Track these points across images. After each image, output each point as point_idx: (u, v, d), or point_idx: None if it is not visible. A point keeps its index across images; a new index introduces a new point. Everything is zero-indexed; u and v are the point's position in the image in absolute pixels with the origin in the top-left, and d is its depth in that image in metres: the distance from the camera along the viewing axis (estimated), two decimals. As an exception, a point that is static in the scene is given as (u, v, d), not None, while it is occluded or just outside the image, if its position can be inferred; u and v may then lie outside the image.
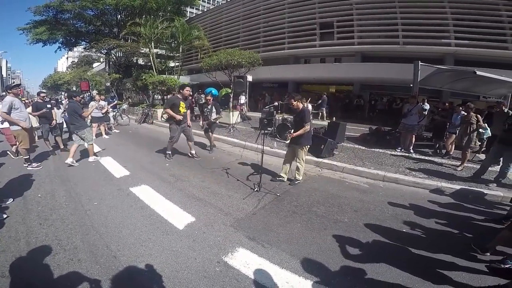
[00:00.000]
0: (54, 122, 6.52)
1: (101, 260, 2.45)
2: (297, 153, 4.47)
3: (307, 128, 4.26)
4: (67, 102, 6.42)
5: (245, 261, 2.49)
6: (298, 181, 4.59)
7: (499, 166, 4.95)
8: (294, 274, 2.35)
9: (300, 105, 4.40)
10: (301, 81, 20.35)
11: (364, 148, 7.45)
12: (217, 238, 2.87)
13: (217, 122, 7.08)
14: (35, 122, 7.95)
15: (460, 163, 5.74)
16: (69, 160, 5.34)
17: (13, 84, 5.68)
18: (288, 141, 4.56)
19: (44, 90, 7.32)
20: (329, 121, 10.84)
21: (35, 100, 6.83)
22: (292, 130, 4.52)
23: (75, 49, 29.89)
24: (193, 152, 6.10)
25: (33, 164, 5.19)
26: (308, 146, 4.56)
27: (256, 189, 4.22)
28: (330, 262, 2.53)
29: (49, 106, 6.48)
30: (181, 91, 5.89)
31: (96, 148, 7.03)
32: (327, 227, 3.22)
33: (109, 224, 3.11)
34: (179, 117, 5.54)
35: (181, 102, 5.67)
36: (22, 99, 5.54)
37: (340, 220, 3.40)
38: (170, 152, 5.91)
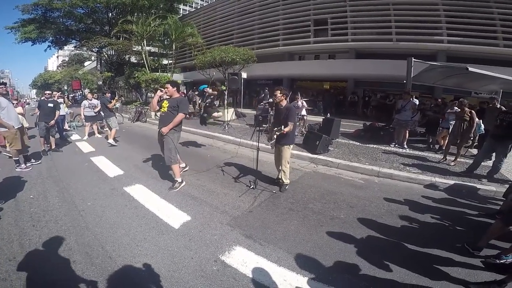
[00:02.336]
0: (52, 122, 6.28)
1: (97, 261, 2.41)
2: (282, 154, 4.10)
3: (291, 127, 3.88)
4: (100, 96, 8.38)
5: (242, 259, 2.48)
6: (287, 185, 4.25)
7: (492, 161, 5.03)
8: (292, 271, 2.35)
9: (284, 102, 4.05)
10: (295, 78, 20.34)
11: (358, 144, 7.51)
12: (213, 237, 2.85)
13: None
14: (26, 122, 7.81)
15: (453, 158, 5.81)
16: (111, 141, 7.16)
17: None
18: (272, 142, 4.03)
19: (48, 91, 7.30)
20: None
21: (41, 98, 6.83)
22: (281, 127, 3.86)
23: (65, 47, 29.29)
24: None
25: (22, 165, 5.06)
26: (292, 146, 4.27)
27: (252, 186, 4.21)
28: (327, 258, 2.54)
29: (51, 105, 6.30)
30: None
31: (89, 148, 6.95)
32: (324, 223, 3.23)
33: (103, 225, 3.06)
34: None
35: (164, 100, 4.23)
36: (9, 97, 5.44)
37: (336, 217, 3.41)
38: (183, 166, 4.78)
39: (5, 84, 5.51)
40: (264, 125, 8.48)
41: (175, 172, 4.20)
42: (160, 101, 4.20)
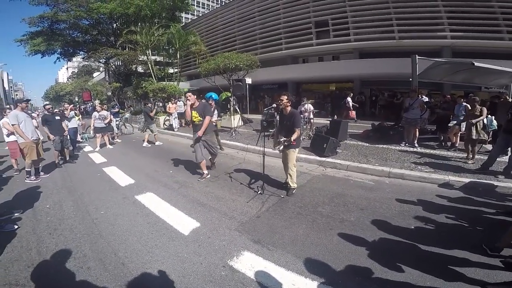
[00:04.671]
0: (65, 133, 6.52)
1: (110, 267, 2.48)
2: (288, 157, 4.09)
3: (299, 133, 3.97)
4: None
5: (250, 264, 2.49)
6: (294, 189, 4.23)
7: (508, 156, 4.85)
8: (300, 275, 2.33)
9: (289, 108, 4.08)
10: (300, 81, 20.35)
11: (367, 144, 7.42)
12: (222, 243, 2.88)
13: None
14: (40, 134, 8.05)
15: (471, 156, 5.61)
16: (144, 144, 8.62)
17: (24, 99, 5.91)
18: (279, 147, 4.05)
19: (47, 102, 7.71)
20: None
21: (43, 113, 6.98)
22: (289, 138, 3.95)
23: (74, 59, 30.19)
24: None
25: (32, 177, 5.24)
26: (298, 149, 4.28)
27: (259, 191, 4.22)
28: (337, 262, 2.51)
29: (57, 118, 6.44)
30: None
31: (101, 159, 7.11)
32: (333, 227, 3.19)
33: (116, 232, 3.14)
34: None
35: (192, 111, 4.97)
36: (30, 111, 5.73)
37: (346, 219, 3.37)
38: (205, 172, 5.13)
39: (29, 100, 5.92)
40: (270, 130, 8.49)
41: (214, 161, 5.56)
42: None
